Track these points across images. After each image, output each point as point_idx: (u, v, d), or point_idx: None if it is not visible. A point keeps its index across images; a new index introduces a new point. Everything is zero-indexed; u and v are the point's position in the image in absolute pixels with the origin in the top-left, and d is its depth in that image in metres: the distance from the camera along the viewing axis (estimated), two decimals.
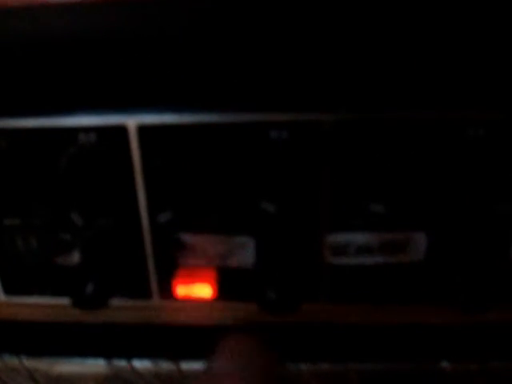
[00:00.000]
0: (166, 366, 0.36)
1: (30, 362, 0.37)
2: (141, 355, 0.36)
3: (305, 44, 0.28)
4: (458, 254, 0.30)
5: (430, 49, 0.28)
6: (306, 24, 0.27)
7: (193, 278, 0.31)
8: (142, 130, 0.29)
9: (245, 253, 0.31)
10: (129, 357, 0.36)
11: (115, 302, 0.33)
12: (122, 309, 0.34)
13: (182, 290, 0.31)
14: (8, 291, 0.34)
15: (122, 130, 0.29)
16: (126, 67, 0.29)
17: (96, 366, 0.37)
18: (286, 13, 0.27)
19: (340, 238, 0.31)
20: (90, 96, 0.29)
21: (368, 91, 0.28)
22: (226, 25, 0.27)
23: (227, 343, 0.30)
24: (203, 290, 0.31)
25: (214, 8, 0.26)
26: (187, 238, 0.31)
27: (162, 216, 0.29)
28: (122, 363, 0.37)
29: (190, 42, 0.28)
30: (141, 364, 0.37)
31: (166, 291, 0.33)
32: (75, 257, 0.32)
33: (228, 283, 0.32)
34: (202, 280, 0.31)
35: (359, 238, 0.31)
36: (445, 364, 0.36)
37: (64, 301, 0.33)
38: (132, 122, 0.29)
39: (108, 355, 0.36)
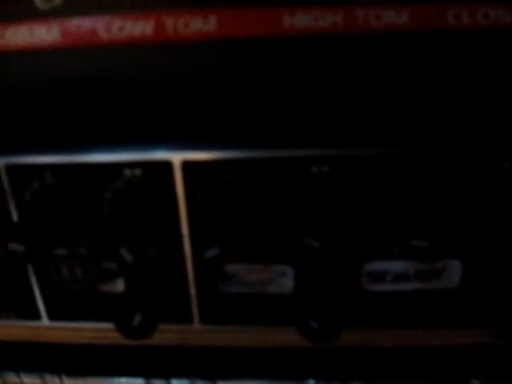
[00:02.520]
0: None
1: (70, 382, 0.38)
2: (179, 375, 0.37)
3: (346, 80, 0.29)
4: (492, 281, 0.31)
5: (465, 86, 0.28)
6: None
7: None
8: (186, 165, 0.30)
9: (284, 281, 0.32)
10: (167, 376, 0.38)
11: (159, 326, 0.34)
12: (162, 332, 0.35)
13: None
14: (52, 317, 0.35)
15: (167, 166, 0.30)
16: (170, 104, 0.30)
17: None
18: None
19: (378, 266, 0.32)
20: (137, 132, 0.30)
21: (407, 124, 0.29)
22: (265, 67, 0.28)
23: None
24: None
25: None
26: (231, 268, 0.32)
27: (209, 252, 0.30)
28: (159, 383, 0.38)
29: (235, 82, 0.29)
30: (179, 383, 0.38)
31: (207, 317, 0.34)
32: (119, 285, 0.33)
33: (268, 309, 0.33)
34: None
35: (396, 266, 0.32)
36: (475, 382, 0.37)
37: (105, 325, 0.35)
38: (177, 157, 0.30)
39: (147, 375, 0.38)
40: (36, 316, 0.35)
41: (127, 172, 0.30)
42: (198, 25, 0.27)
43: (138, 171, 0.30)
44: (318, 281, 0.31)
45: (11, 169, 0.30)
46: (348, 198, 0.29)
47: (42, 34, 0.28)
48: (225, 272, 0.32)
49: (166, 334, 0.35)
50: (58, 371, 0.38)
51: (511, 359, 0.36)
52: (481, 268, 0.32)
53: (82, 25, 0.27)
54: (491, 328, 0.30)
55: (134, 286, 0.31)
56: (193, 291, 0.33)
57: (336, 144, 0.29)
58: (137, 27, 0.27)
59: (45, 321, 0.35)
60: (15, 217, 0.31)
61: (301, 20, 0.27)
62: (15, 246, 0.32)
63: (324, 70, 0.28)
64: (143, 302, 0.31)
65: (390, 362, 0.36)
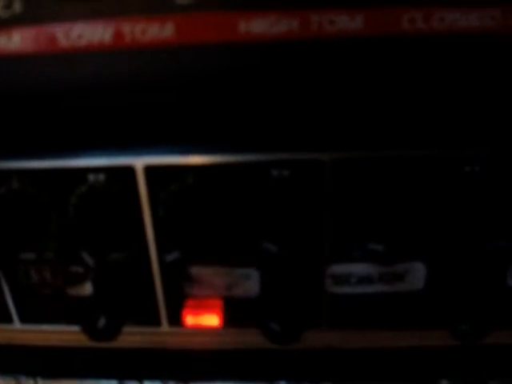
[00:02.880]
0: None
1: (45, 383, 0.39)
2: (151, 377, 0.38)
3: (304, 86, 0.29)
4: (455, 283, 0.31)
5: (422, 91, 0.29)
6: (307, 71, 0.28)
7: (201, 309, 0.32)
8: (149, 170, 0.30)
9: (249, 283, 0.33)
10: (140, 378, 0.38)
11: (127, 328, 0.35)
12: (132, 334, 0.35)
13: (191, 319, 0.32)
14: (23, 319, 0.35)
15: (130, 171, 0.30)
16: (132, 110, 0.30)
17: None
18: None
19: (341, 269, 0.32)
20: (100, 138, 0.30)
21: (365, 131, 0.29)
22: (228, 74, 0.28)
23: None
24: (211, 320, 0.32)
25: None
26: (194, 271, 0.32)
27: (169, 256, 0.31)
28: None
29: (194, 88, 0.29)
30: None
31: (175, 319, 0.34)
32: (87, 288, 0.33)
33: (234, 312, 0.33)
34: (209, 310, 0.33)
35: (360, 269, 0.32)
36: (445, 383, 0.37)
37: (75, 328, 0.35)
38: (139, 162, 0.30)
39: (120, 377, 0.38)
40: (8, 319, 0.36)
41: (91, 177, 0.30)
42: (156, 31, 0.28)
43: (101, 176, 0.30)
44: (281, 284, 0.31)
45: None
46: (307, 201, 0.30)
47: (2, 41, 0.28)
48: (189, 275, 0.32)
49: (137, 337, 0.36)
50: (32, 373, 0.39)
51: (480, 360, 0.37)
52: (443, 270, 0.32)
53: (42, 32, 0.28)
54: (452, 329, 0.30)
55: (99, 290, 0.31)
56: (160, 294, 0.33)
57: (296, 148, 0.30)
58: (96, 34, 0.28)
59: (17, 324, 0.36)
60: None
61: (256, 26, 0.27)
62: None
63: (279, 74, 0.28)
64: (108, 304, 0.31)
65: (357, 364, 0.36)
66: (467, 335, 0.30)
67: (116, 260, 0.32)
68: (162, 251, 0.32)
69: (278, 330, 0.30)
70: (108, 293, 0.32)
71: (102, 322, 0.30)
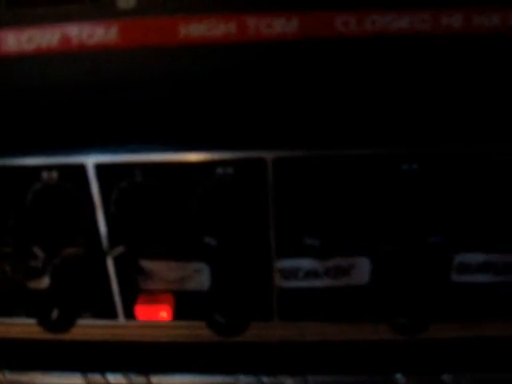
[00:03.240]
0: (137, 379, 0.39)
1: (12, 376, 0.40)
2: (113, 369, 0.39)
3: (244, 86, 0.30)
4: (397, 277, 0.32)
5: (358, 90, 0.30)
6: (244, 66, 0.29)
7: (152, 303, 0.34)
8: (100, 168, 0.31)
9: (201, 277, 0.34)
10: (102, 371, 0.39)
11: (86, 321, 0.36)
12: (92, 327, 0.37)
13: (142, 313, 0.34)
14: None
15: (81, 168, 0.31)
16: (84, 108, 0.31)
17: (73, 379, 0.40)
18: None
19: (289, 263, 0.33)
20: (52, 136, 0.32)
21: (304, 130, 0.30)
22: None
23: None
24: (161, 313, 0.34)
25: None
26: (147, 265, 0.34)
27: (114, 251, 0.32)
28: (96, 377, 0.39)
29: (139, 88, 0.30)
30: (114, 378, 0.39)
31: (130, 312, 0.35)
32: (45, 282, 0.34)
33: (185, 306, 0.35)
34: (160, 304, 0.34)
35: (306, 263, 0.33)
36: (399, 376, 0.38)
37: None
38: (91, 160, 0.31)
39: (84, 369, 0.39)
40: None
41: (45, 175, 0.32)
42: (101, 35, 0.29)
43: (54, 174, 0.32)
44: (228, 278, 0.32)
45: None
46: (251, 198, 0.31)
47: None
48: (142, 269, 0.33)
49: (97, 330, 0.37)
50: None
51: (434, 353, 0.37)
52: (387, 266, 0.33)
53: None
54: (391, 323, 0.31)
55: (53, 283, 0.33)
56: (115, 288, 0.35)
57: (239, 147, 0.31)
58: (44, 39, 0.29)
59: None
60: None
61: (196, 29, 0.29)
62: None
63: (220, 76, 0.29)
64: (62, 297, 0.32)
65: (311, 357, 0.37)
66: (406, 329, 0.31)
67: (70, 255, 0.33)
68: (114, 246, 0.33)
69: (223, 323, 0.31)
70: (62, 286, 0.33)
71: (55, 314, 0.32)
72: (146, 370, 0.39)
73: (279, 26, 0.28)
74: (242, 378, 0.38)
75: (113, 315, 0.36)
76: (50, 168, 0.32)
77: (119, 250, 0.32)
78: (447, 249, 0.32)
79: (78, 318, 0.33)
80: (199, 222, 0.31)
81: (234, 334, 0.31)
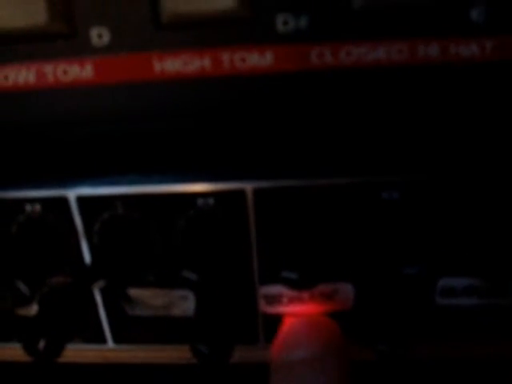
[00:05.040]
0: None
1: None
2: None
3: (222, 119, 0.30)
4: (378, 304, 0.32)
5: (335, 121, 0.30)
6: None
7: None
8: (81, 200, 0.32)
9: (187, 304, 0.34)
10: None
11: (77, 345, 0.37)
12: (81, 351, 0.37)
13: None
14: None
15: (63, 201, 0.32)
16: (66, 142, 0.31)
17: None
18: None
19: (273, 290, 0.33)
20: (35, 171, 0.32)
21: (283, 161, 0.30)
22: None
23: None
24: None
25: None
26: (133, 293, 0.34)
27: (98, 283, 0.32)
28: None
29: (117, 123, 0.30)
30: None
31: (119, 337, 0.36)
32: (34, 309, 0.35)
33: (174, 331, 0.35)
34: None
35: (289, 291, 0.33)
36: None
37: None
38: (72, 193, 0.32)
39: None
40: None
41: (28, 207, 0.32)
42: (76, 72, 0.29)
43: (38, 206, 0.32)
44: (211, 307, 0.33)
45: None
46: (232, 229, 0.31)
47: None
48: (128, 297, 0.34)
49: (85, 353, 0.38)
50: None
51: (419, 374, 0.38)
52: (370, 292, 0.33)
53: None
54: (373, 349, 0.31)
55: (40, 312, 0.33)
56: (103, 315, 0.35)
57: (219, 178, 0.31)
58: (20, 76, 0.29)
59: None
60: None
61: (170, 64, 0.28)
62: None
63: (198, 109, 0.29)
64: (49, 326, 0.33)
65: None
66: (386, 354, 0.31)
67: (58, 283, 0.33)
68: (98, 276, 0.33)
69: (206, 353, 0.31)
70: (49, 315, 0.33)
71: (42, 343, 0.32)
72: None
73: (253, 59, 0.28)
74: None
75: (102, 340, 0.36)
76: (32, 201, 0.32)
77: (101, 283, 0.32)
78: (428, 275, 0.32)
79: (68, 343, 0.34)
80: (180, 254, 0.31)
81: (216, 364, 0.32)
